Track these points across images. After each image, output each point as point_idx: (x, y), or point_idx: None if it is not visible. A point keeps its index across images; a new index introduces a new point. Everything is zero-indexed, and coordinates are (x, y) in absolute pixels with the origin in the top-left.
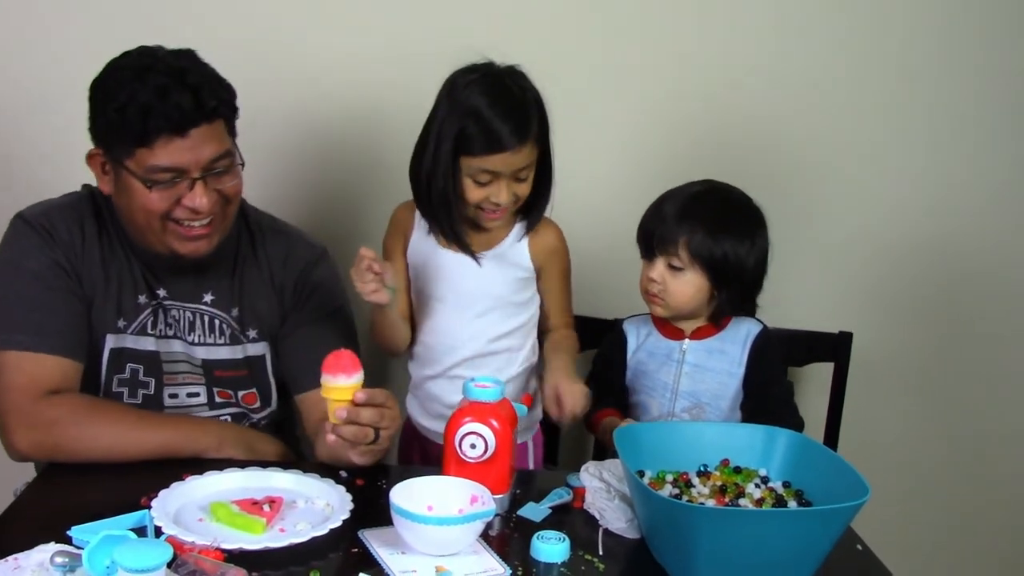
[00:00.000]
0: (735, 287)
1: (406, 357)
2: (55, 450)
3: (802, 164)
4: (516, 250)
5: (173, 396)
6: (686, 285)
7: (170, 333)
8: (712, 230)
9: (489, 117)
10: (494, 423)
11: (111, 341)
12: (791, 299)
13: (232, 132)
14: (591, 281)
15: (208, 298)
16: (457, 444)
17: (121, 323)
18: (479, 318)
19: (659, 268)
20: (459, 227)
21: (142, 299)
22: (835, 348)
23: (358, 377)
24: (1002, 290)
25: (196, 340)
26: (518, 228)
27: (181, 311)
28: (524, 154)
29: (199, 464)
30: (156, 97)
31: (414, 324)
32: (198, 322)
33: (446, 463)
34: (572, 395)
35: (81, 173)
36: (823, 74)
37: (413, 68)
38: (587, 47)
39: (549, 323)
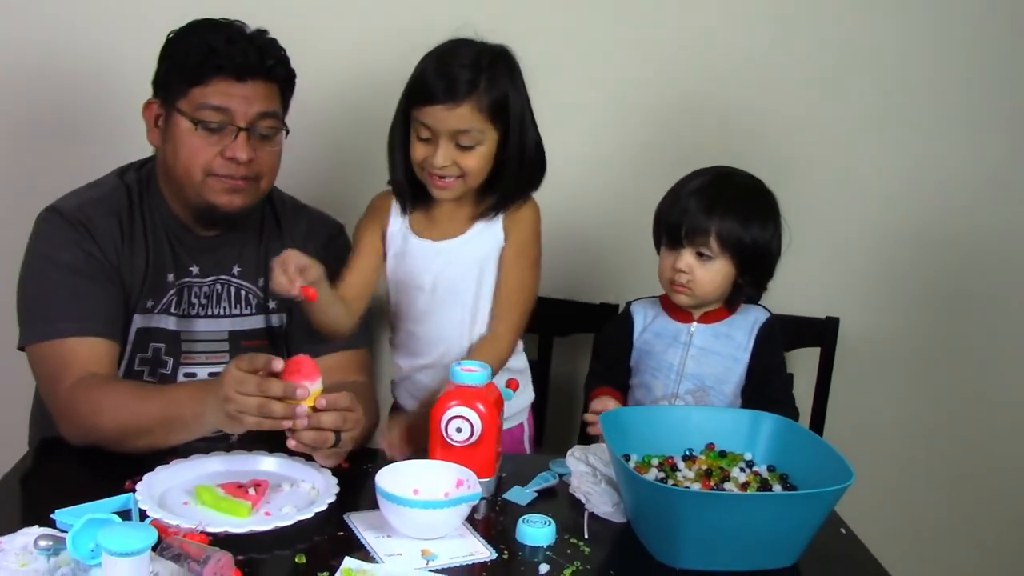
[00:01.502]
0: (757, 272)
1: (388, 347)
2: (82, 433)
3: (789, 148)
4: (493, 227)
5: (190, 375)
6: (715, 273)
7: (192, 312)
8: (741, 217)
9: (431, 68)
10: (480, 407)
11: (138, 321)
12: (778, 284)
13: (284, 106)
14: (586, 266)
15: (236, 269)
16: (443, 428)
17: (149, 303)
18: (464, 305)
19: (687, 258)
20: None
21: (170, 277)
22: (822, 333)
23: (320, 383)
24: (990, 276)
25: (223, 312)
26: (485, 210)
27: (211, 286)
28: (461, 115)
29: (184, 447)
30: (223, 42)
31: (396, 314)
32: (226, 294)
33: (432, 447)
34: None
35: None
36: (812, 57)
37: (414, 53)
38: (578, 28)
39: (491, 311)
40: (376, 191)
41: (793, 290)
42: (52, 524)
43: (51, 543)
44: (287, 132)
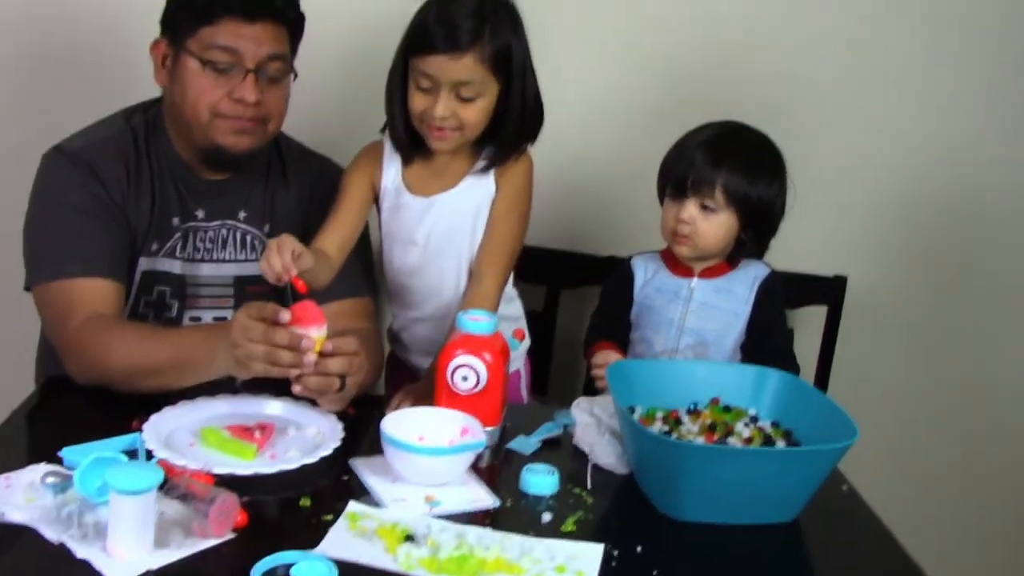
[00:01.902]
0: (761, 228)
1: (383, 295)
2: (90, 373)
3: (798, 103)
4: (485, 178)
5: (195, 319)
6: (718, 226)
7: (198, 256)
8: (748, 171)
9: (433, 16)
10: (487, 356)
11: (143, 264)
12: (786, 241)
13: (293, 49)
14: (594, 218)
15: (242, 214)
16: (449, 376)
17: (154, 246)
18: (458, 256)
19: (690, 209)
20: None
21: (176, 221)
22: (829, 291)
23: (325, 328)
24: (1000, 236)
25: (228, 257)
26: (481, 163)
27: (216, 231)
28: (463, 66)
29: (191, 389)
30: None
31: (389, 267)
32: (231, 239)
33: (437, 395)
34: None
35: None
36: (828, 14)
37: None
38: None
39: (475, 265)
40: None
41: (801, 248)
42: (59, 462)
43: (58, 480)
44: (295, 75)
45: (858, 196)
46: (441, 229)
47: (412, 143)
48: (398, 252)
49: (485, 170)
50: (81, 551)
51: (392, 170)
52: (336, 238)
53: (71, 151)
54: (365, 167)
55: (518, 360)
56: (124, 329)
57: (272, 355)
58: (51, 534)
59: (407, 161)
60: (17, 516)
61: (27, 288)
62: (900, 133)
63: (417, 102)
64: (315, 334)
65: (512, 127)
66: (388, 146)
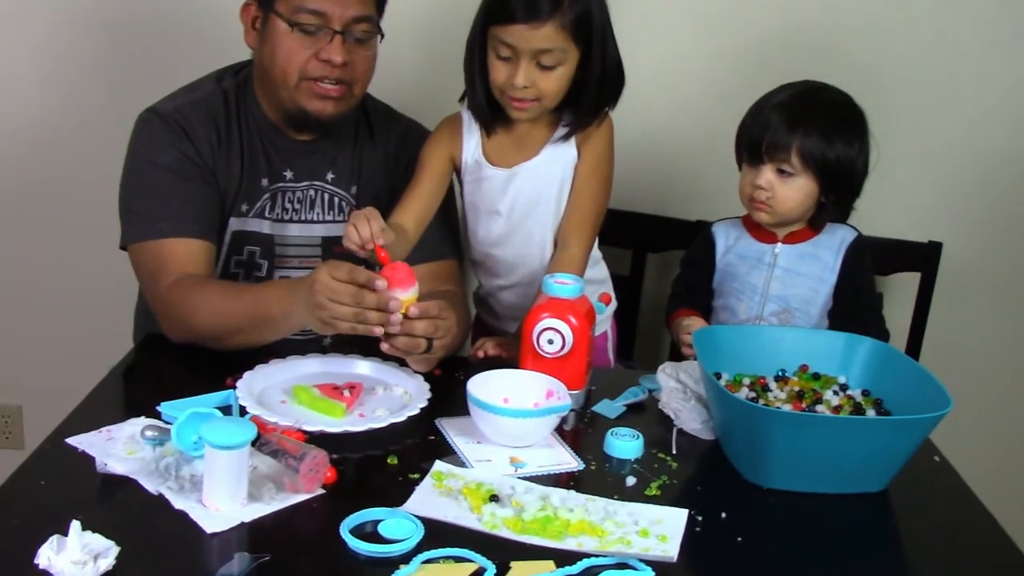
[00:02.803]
0: (842, 191)
1: (467, 262)
2: (180, 331)
3: (891, 64)
4: (566, 145)
5: (285, 279)
6: (796, 191)
7: (286, 217)
8: (825, 133)
9: None
10: (572, 320)
11: (234, 224)
12: (880, 206)
13: (380, 8)
14: (682, 181)
15: (330, 176)
16: (535, 339)
17: (244, 207)
18: (544, 225)
19: (767, 174)
20: (487, 108)
21: (264, 182)
22: (924, 258)
23: (413, 291)
24: None
25: (316, 218)
26: (561, 130)
27: (305, 191)
28: (544, 34)
29: (281, 348)
30: None
31: (474, 236)
32: (319, 200)
33: (523, 357)
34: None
35: None
36: None
37: None
38: None
39: (560, 231)
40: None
41: (895, 212)
42: (158, 416)
43: (157, 434)
44: (382, 36)
45: (954, 161)
46: (525, 198)
47: (492, 113)
48: (483, 223)
49: (566, 137)
50: (178, 502)
51: (472, 142)
52: (414, 212)
53: (164, 112)
54: (444, 141)
55: (605, 323)
56: (208, 288)
57: (360, 316)
58: (150, 485)
59: (488, 132)
60: (119, 467)
61: (122, 247)
62: (1000, 95)
63: (497, 71)
64: (401, 296)
65: (592, 93)
66: (467, 117)
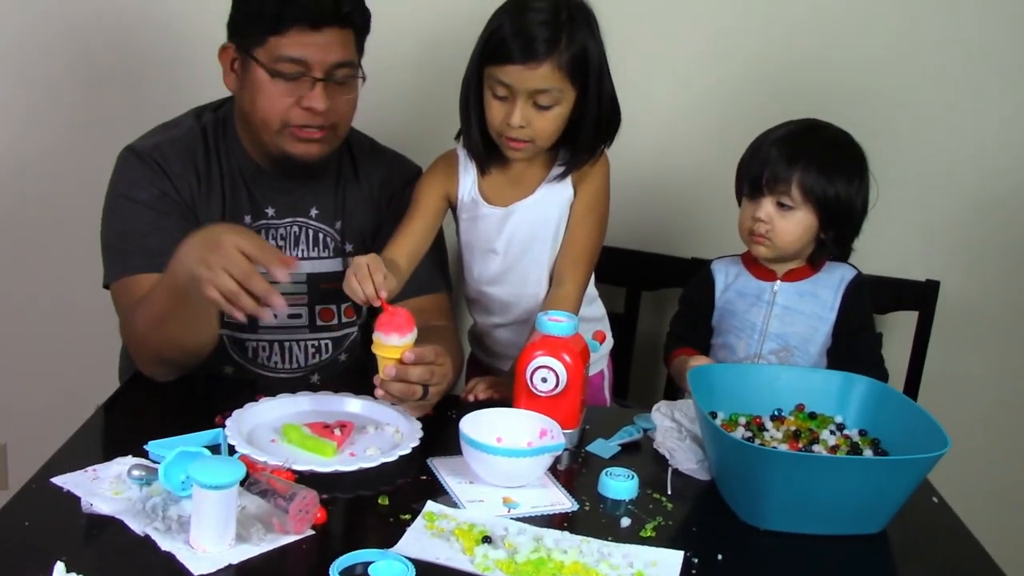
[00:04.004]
0: (841, 228)
1: (462, 299)
2: (143, 356)
3: (886, 100)
4: (562, 183)
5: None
6: (795, 224)
7: None
8: (825, 169)
9: (508, 26)
10: (566, 358)
11: None
12: (876, 244)
13: (360, 49)
14: (677, 219)
15: (314, 212)
16: (528, 377)
17: None
18: (540, 263)
19: (767, 207)
20: (482, 149)
21: (247, 220)
22: (921, 296)
23: (411, 336)
24: None
25: (301, 255)
26: (557, 169)
27: (288, 228)
28: (541, 75)
29: (271, 387)
30: None
31: (469, 274)
32: (303, 236)
33: (516, 396)
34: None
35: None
36: (912, 5)
37: None
38: None
39: (556, 268)
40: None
41: (892, 251)
42: (144, 455)
43: (144, 473)
44: (363, 79)
45: (952, 198)
46: (521, 237)
47: (487, 152)
48: (478, 261)
49: (562, 176)
50: (165, 543)
51: (468, 181)
52: (407, 248)
53: (141, 150)
54: (439, 178)
55: (601, 361)
56: (139, 304)
57: (235, 297)
58: (136, 526)
59: (483, 171)
60: (105, 508)
61: (105, 286)
62: (997, 134)
63: (494, 111)
64: (399, 341)
65: (588, 131)
66: (463, 156)
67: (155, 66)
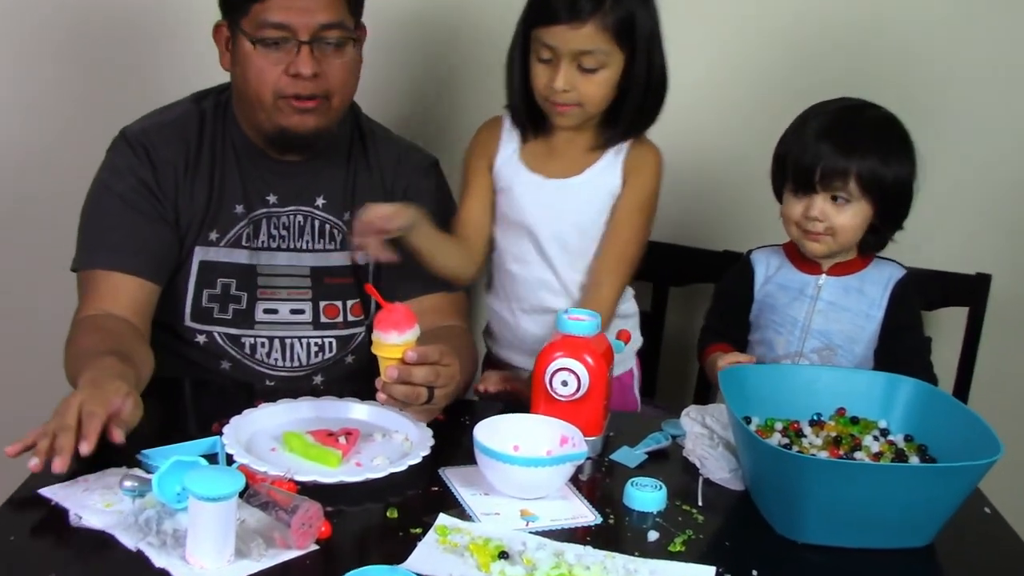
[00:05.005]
0: (895, 213)
1: (482, 290)
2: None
3: (936, 87)
4: (610, 172)
5: (270, 311)
6: (853, 217)
7: (272, 245)
8: (881, 155)
9: None
10: (588, 359)
11: (199, 254)
12: (921, 235)
13: (354, 11)
14: (708, 209)
15: (320, 202)
16: (547, 380)
17: (213, 235)
18: (574, 250)
19: (820, 204)
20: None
21: (239, 209)
22: (971, 291)
23: (411, 333)
24: None
25: (305, 246)
26: (612, 148)
27: (291, 217)
28: (584, 35)
29: (272, 387)
30: None
31: (496, 251)
32: (308, 227)
33: (535, 401)
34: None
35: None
36: None
37: None
38: None
39: (594, 268)
40: (481, 120)
41: (939, 243)
42: (137, 465)
43: (137, 484)
44: (355, 40)
45: (1004, 186)
46: (557, 215)
47: (531, 119)
48: (508, 235)
49: (609, 149)
50: (159, 559)
51: (510, 148)
52: (469, 223)
53: (130, 134)
54: (482, 148)
55: (629, 359)
56: (79, 339)
57: (41, 441)
58: (129, 541)
59: (525, 138)
60: (95, 521)
61: (73, 270)
62: None
63: (539, 75)
64: (398, 339)
65: (634, 101)
66: (507, 122)
67: (155, 48)
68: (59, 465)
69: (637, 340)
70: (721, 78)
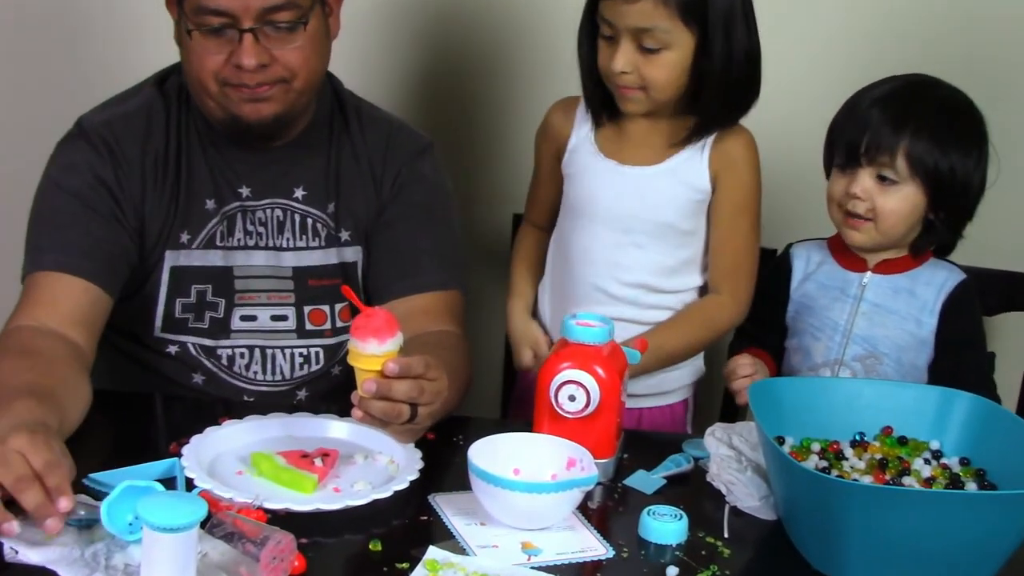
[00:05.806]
0: (954, 209)
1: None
2: None
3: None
4: (693, 166)
5: (248, 319)
6: (900, 202)
7: (249, 243)
8: (938, 137)
9: None
10: (599, 371)
11: (171, 259)
12: (984, 232)
13: None
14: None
15: (299, 193)
16: (553, 395)
17: (184, 237)
18: (639, 247)
19: (864, 181)
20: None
21: (210, 205)
22: None
23: (393, 343)
24: None
25: (286, 244)
26: (696, 138)
27: (268, 212)
28: (639, 11)
29: (246, 405)
30: None
31: (559, 239)
32: (288, 222)
33: (538, 418)
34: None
35: None
36: None
37: None
38: None
39: (710, 279)
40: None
41: (1004, 240)
42: (84, 490)
43: (83, 512)
44: (322, 7)
45: None
46: (628, 207)
47: (601, 103)
48: (574, 226)
49: (689, 144)
50: None
51: (584, 129)
52: (543, 206)
53: (89, 128)
54: (549, 133)
55: (686, 389)
56: (1, 364)
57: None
58: None
59: (599, 122)
60: (33, 557)
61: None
62: None
63: (602, 55)
64: (377, 349)
65: (714, 90)
66: (583, 103)
67: (107, 24)
68: (54, 527)
69: (699, 367)
70: (828, 64)
